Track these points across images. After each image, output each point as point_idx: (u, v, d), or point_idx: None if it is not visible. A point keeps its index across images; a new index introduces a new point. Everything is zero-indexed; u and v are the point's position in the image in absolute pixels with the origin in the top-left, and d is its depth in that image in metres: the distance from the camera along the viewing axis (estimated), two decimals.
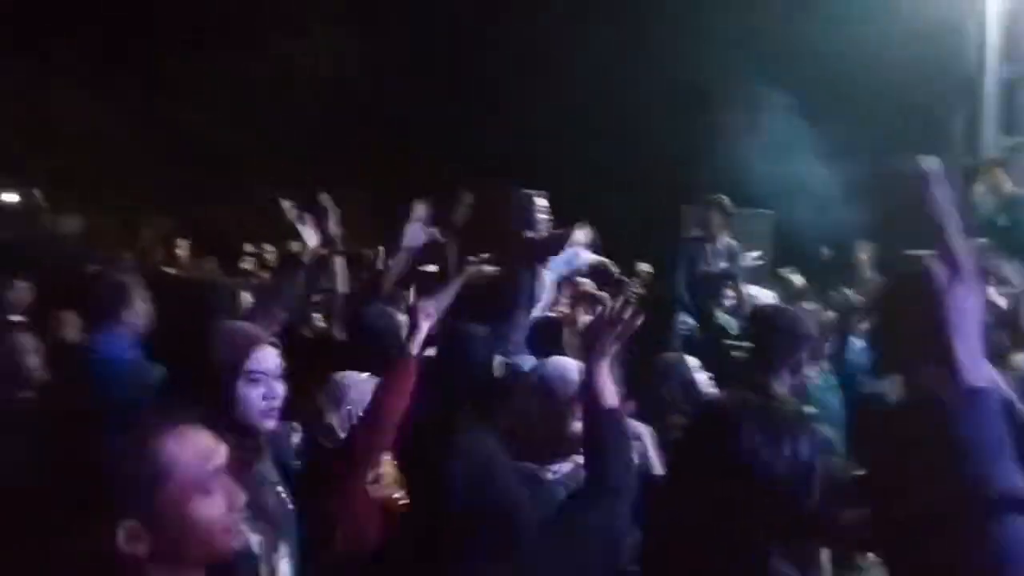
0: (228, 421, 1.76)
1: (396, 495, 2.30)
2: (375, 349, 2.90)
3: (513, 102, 15.18)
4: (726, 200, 6.14)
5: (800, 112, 8.38)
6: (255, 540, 1.77)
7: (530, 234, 4.16)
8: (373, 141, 17.68)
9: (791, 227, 7.70)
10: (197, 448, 1.32)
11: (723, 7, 12.09)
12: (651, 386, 2.97)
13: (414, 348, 2.46)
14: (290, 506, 1.99)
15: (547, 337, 3.62)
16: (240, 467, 1.58)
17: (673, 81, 13.33)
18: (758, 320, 3.42)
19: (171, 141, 18.40)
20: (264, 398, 1.87)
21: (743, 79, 10.04)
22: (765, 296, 5.16)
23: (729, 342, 3.97)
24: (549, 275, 4.25)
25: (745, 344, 3.48)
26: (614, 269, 5.72)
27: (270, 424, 1.91)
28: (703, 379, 3.00)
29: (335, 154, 16.87)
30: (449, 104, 16.42)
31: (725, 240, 6.06)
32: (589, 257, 5.46)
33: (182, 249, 4.87)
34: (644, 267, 7.21)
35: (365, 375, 2.75)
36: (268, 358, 1.91)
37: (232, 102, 18.52)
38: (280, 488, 1.99)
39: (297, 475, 2.28)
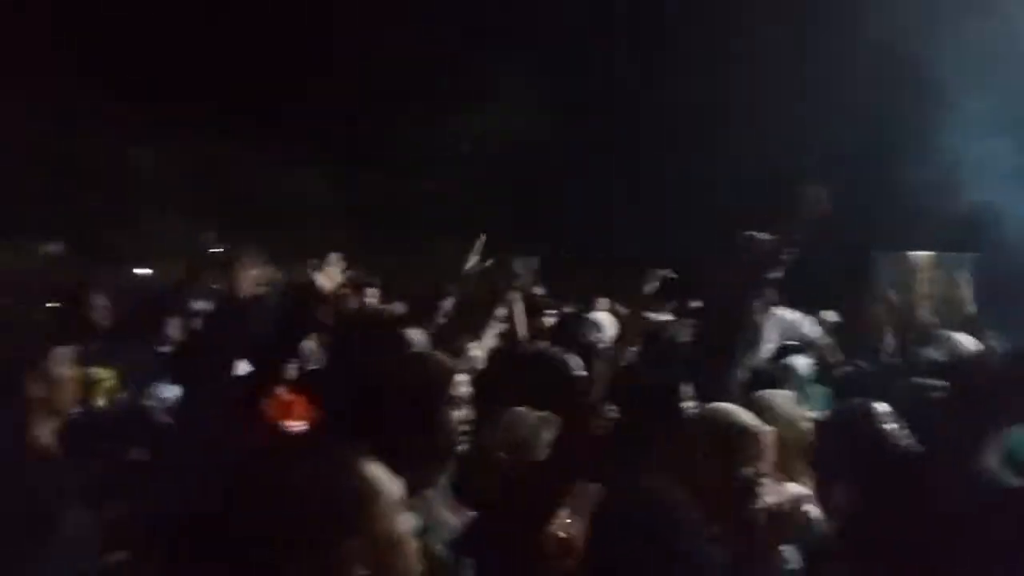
0: (429, 443, 1.92)
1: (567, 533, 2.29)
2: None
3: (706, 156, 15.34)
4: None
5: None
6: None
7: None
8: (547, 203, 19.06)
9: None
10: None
11: None
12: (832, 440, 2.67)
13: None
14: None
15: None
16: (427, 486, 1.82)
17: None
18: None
19: (365, 203, 20.86)
20: (461, 421, 2.00)
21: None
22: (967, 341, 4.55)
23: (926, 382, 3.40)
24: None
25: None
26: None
27: (463, 446, 2.02)
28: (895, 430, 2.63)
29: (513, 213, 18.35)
30: (644, 166, 17.04)
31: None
32: (815, 333, 5.48)
33: (371, 297, 5.32)
34: (830, 315, 6.93)
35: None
36: (463, 384, 2.03)
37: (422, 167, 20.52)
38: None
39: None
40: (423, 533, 1.85)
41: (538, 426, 2.49)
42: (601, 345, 4.38)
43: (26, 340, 3.41)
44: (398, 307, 5.54)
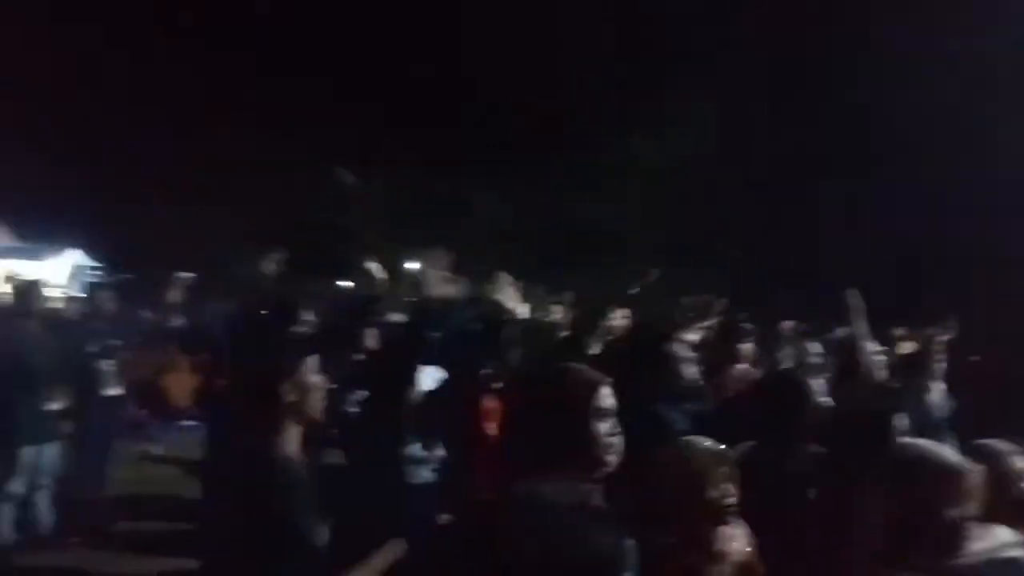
0: (580, 456, 1.91)
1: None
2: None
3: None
4: None
5: None
6: None
7: None
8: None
9: None
10: None
11: None
12: None
13: None
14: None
15: None
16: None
17: None
18: None
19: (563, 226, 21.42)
20: (609, 434, 1.96)
21: None
22: None
23: None
24: None
25: None
26: None
27: (612, 459, 1.97)
28: None
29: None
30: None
31: None
32: None
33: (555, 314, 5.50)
34: None
35: None
36: (610, 396, 2.00)
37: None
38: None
39: None
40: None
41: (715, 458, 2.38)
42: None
43: (282, 349, 3.85)
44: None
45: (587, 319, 4.58)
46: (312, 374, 2.70)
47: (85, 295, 6.86)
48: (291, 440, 2.61)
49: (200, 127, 27.31)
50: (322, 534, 2.52)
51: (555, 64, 20.40)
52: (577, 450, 1.93)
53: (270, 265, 4.68)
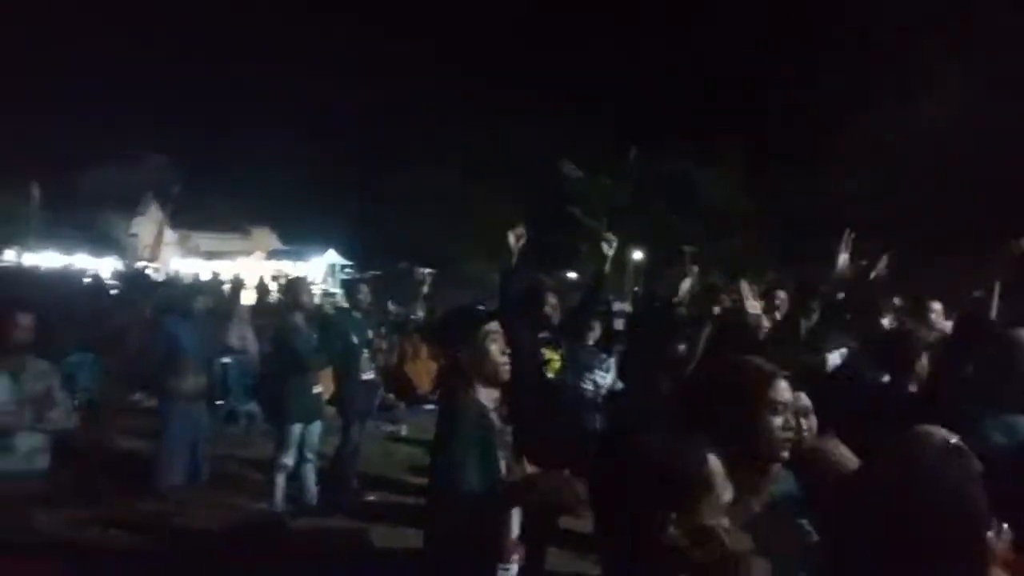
0: (747, 449, 1.89)
1: None
2: None
3: None
4: None
5: None
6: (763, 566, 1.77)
7: None
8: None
9: None
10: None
11: None
12: None
13: None
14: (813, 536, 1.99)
15: None
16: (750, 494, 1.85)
17: None
18: None
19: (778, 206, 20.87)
20: (784, 428, 1.94)
21: None
22: None
23: None
24: None
25: None
26: None
27: (784, 454, 1.96)
28: None
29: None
30: None
31: None
32: None
33: (780, 300, 5.21)
34: None
35: None
36: (786, 390, 1.98)
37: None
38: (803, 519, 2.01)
39: None
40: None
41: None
42: None
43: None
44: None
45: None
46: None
47: (342, 290, 7.56)
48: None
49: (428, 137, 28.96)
50: None
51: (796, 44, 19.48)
52: (748, 441, 1.91)
53: (517, 253, 4.84)
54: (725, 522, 1.59)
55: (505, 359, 2.68)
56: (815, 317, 3.65)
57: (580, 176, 25.06)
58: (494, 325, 2.71)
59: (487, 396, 2.68)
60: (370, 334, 6.98)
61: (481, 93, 29.68)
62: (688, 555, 1.52)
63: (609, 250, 4.93)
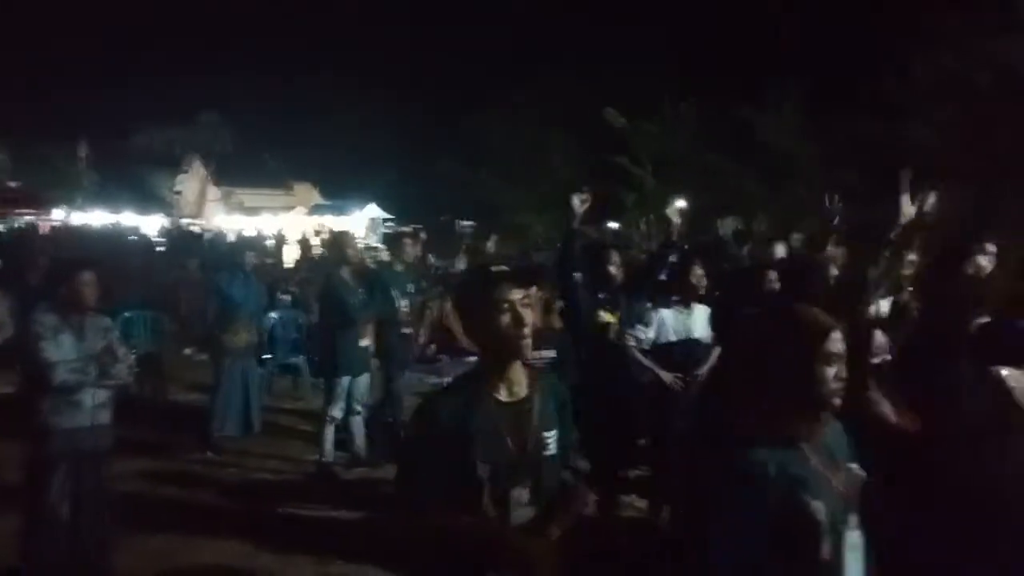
0: (802, 399, 1.95)
1: None
2: None
3: None
4: None
5: None
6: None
7: None
8: None
9: None
10: None
11: None
12: None
13: None
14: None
15: None
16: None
17: None
18: None
19: (840, 150, 20.18)
20: (836, 379, 1.96)
21: None
22: None
23: None
24: None
25: None
26: None
27: (837, 402, 1.98)
28: None
29: None
30: None
31: None
32: None
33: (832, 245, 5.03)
34: None
35: None
36: (840, 342, 1.99)
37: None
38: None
39: None
40: (797, 486, 1.87)
41: None
42: None
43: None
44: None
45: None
46: None
47: (382, 244, 7.58)
48: None
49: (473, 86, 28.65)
50: None
51: None
52: (803, 391, 1.96)
53: (579, 208, 4.82)
54: None
55: (521, 333, 2.16)
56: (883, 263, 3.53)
57: (624, 124, 24.62)
58: (509, 290, 2.17)
59: (500, 380, 2.22)
60: (410, 287, 7.01)
61: (527, 41, 29.31)
62: None
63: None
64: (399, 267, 7.04)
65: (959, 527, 2.41)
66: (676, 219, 5.34)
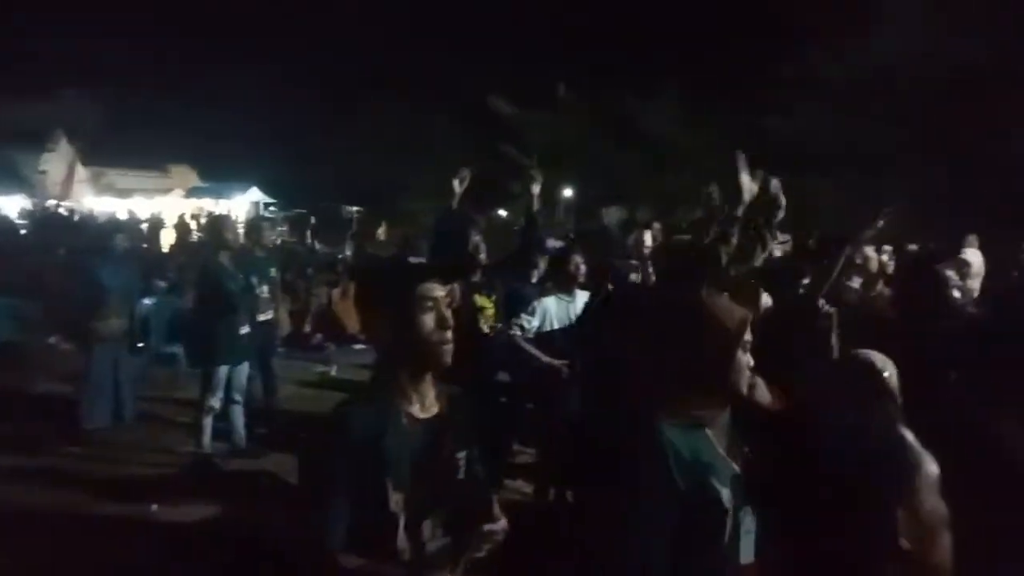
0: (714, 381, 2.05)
1: None
2: None
3: None
4: None
5: None
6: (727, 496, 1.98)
7: None
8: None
9: None
10: None
11: None
12: None
13: None
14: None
15: None
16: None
17: None
18: None
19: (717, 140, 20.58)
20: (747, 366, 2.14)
21: None
22: None
23: None
24: None
25: None
26: None
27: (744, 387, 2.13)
28: None
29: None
30: None
31: None
32: None
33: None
34: None
35: None
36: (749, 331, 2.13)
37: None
38: None
39: None
40: (707, 474, 1.92)
41: None
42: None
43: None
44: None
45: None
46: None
47: (253, 229, 7.41)
48: None
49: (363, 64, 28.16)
50: None
51: None
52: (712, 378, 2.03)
53: (458, 188, 4.79)
54: None
55: (445, 337, 1.88)
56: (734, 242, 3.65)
57: (513, 112, 24.77)
58: (433, 286, 1.89)
59: (415, 391, 1.90)
60: (273, 272, 6.90)
61: (418, 23, 28.97)
62: None
63: (536, 187, 4.91)
64: (261, 253, 6.91)
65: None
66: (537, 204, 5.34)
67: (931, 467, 1.36)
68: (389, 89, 27.47)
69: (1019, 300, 3.41)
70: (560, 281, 5.29)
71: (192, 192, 31.81)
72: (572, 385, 4.82)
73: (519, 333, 5.08)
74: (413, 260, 2.04)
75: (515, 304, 5.15)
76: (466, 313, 4.58)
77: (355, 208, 25.55)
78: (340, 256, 11.74)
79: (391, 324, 1.88)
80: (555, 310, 5.18)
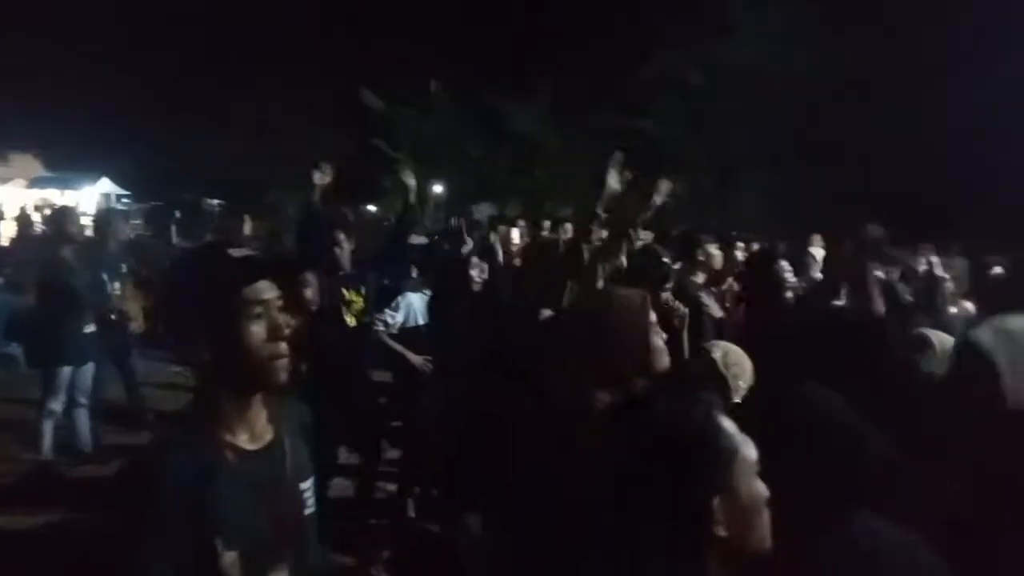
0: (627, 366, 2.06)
1: None
2: None
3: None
4: None
5: None
6: None
7: None
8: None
9: None
10: None
11: None
12: None
13: None
14: None
15: None
16: None
17: None
18: None
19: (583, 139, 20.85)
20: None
21: None
22: None
23: None
24: None
25: None
26: None
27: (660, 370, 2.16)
28: None
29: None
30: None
31: None
32: None
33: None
34: None
35: None
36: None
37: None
38: None
39: None
40: None
41: None
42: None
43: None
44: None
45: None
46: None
47: (103, 222, 6.99)
48: None
49: (228, 49, 27.08)
50: None
51: None
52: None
53: (321, 185, 4.70)
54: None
55: (278, 349, 1.53)
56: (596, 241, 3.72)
57: (382, 107, 24.49)
58: (260, 288, 1.53)
59: (241, 418, 1.55)
60: (124, 268, 6.58)
61: (289, 15, 28.06)
62: None
63: (410, 183, 4.89)
64: (111, 246, 6.57)
65: None
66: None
67: (749, 451, 1.40)
68: (254, 79, 26.56)
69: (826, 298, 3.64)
70: (425, 276, 5.30)
71: (35, 182, 29.70)
72: (436, 381, 4.82)
73: (383, 329, 5.04)
74: (235, 253, 1.59)
75: (386, 300, 5.13)
76: (332, 310, 4.47)
77: (216, 201, 24.58)
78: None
79: (208, 335, 1.50)
80: (419, 305, 5.17)
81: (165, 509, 1.40)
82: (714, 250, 5.90)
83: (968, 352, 1.92)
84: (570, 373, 2.06)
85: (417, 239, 6.73)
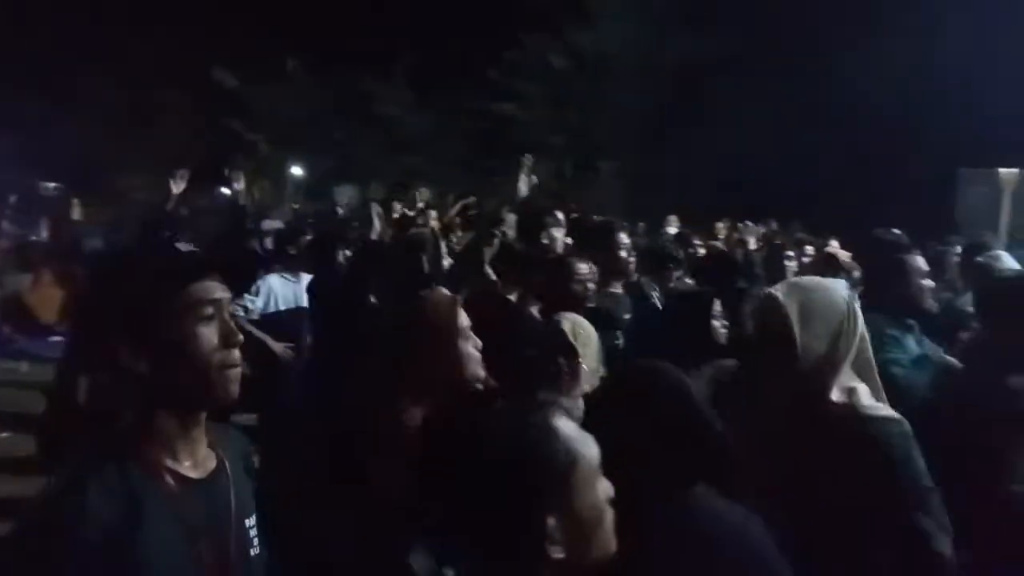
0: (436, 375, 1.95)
1: None
2: None
3: None
4: None
5: None
6: None
7: None
8: None
9: None
10: None
11: None
12: None
13: None
14: None
15: None
16: None
17: None
18: None
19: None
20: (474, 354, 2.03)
21: None
22: None
23: None
24: None
25: None
26: None
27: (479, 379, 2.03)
28: None
29: None
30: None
31: None
32: None
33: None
34: None
35: None
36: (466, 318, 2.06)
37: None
38: None
39: None
40: None
41: None
42: None
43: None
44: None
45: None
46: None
47: None
48: None
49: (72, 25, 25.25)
50: None
51: None
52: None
53: (176, 190, 4.56)
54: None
55: (230, 357, 1.34)
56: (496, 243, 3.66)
57: (236, 85, 23.39)
58: (210, 287, 1.34)
59: (183, 442, 1.34)
60: None
61: None
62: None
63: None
64: None
65: None
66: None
67: (590, 452, 1.22)
68: (98, 58, 24.81)
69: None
70: (284, 260, 5.12)
71: None
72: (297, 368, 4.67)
73: (242, 314, 4.80)
74: (183, 247, 1.38)
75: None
76: None
77: (52, 184, 22.88)
78: (33, 238, 10.41)
79: (147, 342, 1.29)
80: (280, 290, 4.99)
81: (87, 557, 1.16)
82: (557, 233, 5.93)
83: (766, 302, 2.15)
84: (379, 383, 1.96)
85: (271, 223, 6.47)
